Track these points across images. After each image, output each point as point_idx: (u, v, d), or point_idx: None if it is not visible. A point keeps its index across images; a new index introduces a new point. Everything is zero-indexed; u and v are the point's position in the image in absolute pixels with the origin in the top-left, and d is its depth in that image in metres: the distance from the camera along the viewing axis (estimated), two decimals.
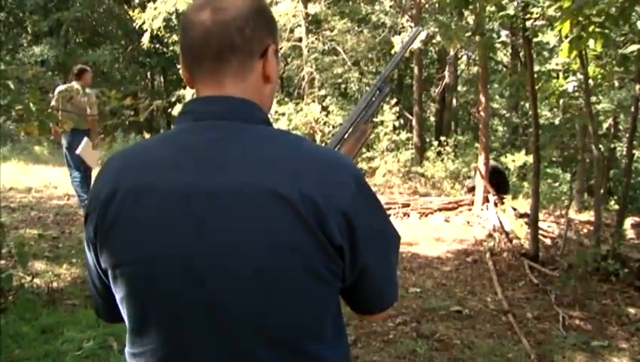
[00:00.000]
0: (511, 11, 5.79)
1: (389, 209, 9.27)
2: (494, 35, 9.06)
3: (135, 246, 1.03)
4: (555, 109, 11.22)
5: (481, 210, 9.15)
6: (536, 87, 6.53)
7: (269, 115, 1.16)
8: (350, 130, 1.48)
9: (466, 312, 4.89)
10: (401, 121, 15.29)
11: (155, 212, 1.01)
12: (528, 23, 6.00)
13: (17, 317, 4.21)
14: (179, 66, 14.49)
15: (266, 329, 1.01)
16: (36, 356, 3.69)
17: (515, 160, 14.38)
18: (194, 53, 1.10)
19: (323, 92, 13.63)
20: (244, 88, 1.09)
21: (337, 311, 1.12)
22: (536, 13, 5.86)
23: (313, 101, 13.27)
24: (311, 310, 1.04)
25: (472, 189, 10.13)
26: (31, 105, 4.96)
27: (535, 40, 7.55)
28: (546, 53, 13.44)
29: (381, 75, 1.59)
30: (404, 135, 14.35)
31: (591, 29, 4.77)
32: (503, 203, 9.26)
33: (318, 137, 13.61)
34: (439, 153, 14.38)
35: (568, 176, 14.47)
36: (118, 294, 1.08)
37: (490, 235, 7.59)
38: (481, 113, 9.67)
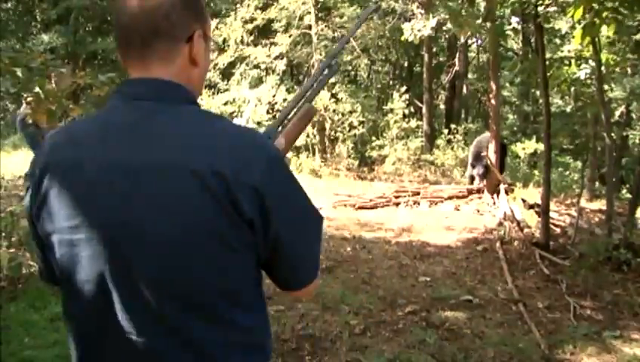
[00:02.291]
0: None
1: (399, 197, 9.23)
2: (505, 22, 8.92)
3: (62, 216, 1.11)
4: (567, 97, 11.11)
5: (492, 198, 9.10)
6: (548, 75, 6.44)
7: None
8: (296, 109, 1.50)
9: (476, 301, 4.86)
10: (411, 109, 15.22)
11: (80, 185, 1.10)
12: (540, 9, 5.91)
13: (27, 305, 4.22)
14: None
15: (180, 295, 1.09)
16: (45, 344, 3.70)
17: (526, 148, 14.28)
18: (124, 38, 1.15)
19: (332, 79, 13.54)
20: (170, 71, 1.14)
21: (255, 281, 1.18)
22: None
23: (322, 88, 13.20)
24: (224, 278, 1.11)
25: (473, 179, 10.05)
26: (40, 92, 4.96)
27: (547, 27, 7.46)
28: (557, 40, 13.30)
29: (331, 53, 1.62)
30: (413, 123, 14.29)
31: (604, 14, 4.69)
32: (513, 191, 9.20)
33: (327, 125, 13.57)
34: (449, 141, 14.31)
35: (579, 164, 14.37)
36: (53, 259, 1.16)
37: (500, 224, 7.53)
38: (492, 101, 9.58)
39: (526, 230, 7.01)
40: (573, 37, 5.13)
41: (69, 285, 1.15)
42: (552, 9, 6.03)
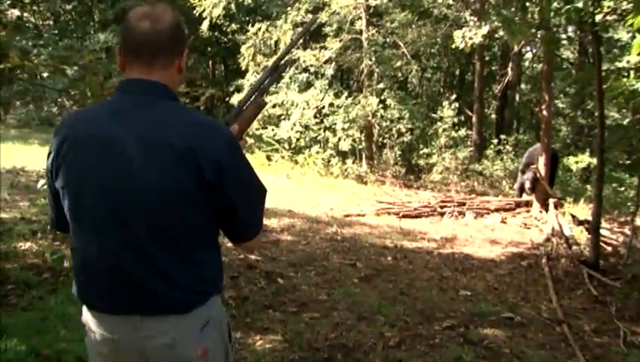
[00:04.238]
0: (580, 4, 5.47)
1: (444, 207, 9.06)
2: (560, 31, 8.66)
3: (73, 175, 1.57)
4: (624, 110, 10.72)
5: (540, 212, 8.83)
6: (604, 86, 6.18)
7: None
8: (251, 100, 1.87)
9: (518, 319, 4.67)
10: (461, 118, 14.96)
11: (89, 153, 1.55)
12: (598, 18, 5.68)
13: (65, 298, 4.24)
14: (239, 56, 14.54)
15: (158, 235, 1.55)
16: (80, 337, 3.68)
17: (579, 161, 13.86)
18: (135, 50, 1.59)
19: (381, 85, 13.43)
20: (164, 76, 1.60)
21: (211, 230, 1.64)
22: (607, 7, 5.54)
23: (371, 94, 13.10)
24: (189, 223, 1.57)
25: (522, 189, 9.78)
26: (87, 90, 5.04)
27: (606, 36, 7.18)
28: (616, 51, 12.85)
29: (281, 52, 1.99)
30: (463, 132, 14.05)
31: None
32: (562, 206, 8.91)
33: (375, 131, 13.45)
34: (499, 151, 14.00)
35: (635, 180, 13.82)
36: (65, 207, 1.62)
37: (547, 239, 7.29)
38: (544, 112, 9.31)
39: (574, 247, 6.74)
40: (633, 47, 4.88)
41: (76, 227, 1.62)
42: (610, 17, 5.79)
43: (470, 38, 8.18)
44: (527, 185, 9.17)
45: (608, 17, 5.77)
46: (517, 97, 19.43)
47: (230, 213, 1.61)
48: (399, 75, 14.08)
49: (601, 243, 6.50)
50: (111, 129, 1.53)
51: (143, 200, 1.51)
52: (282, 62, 1.92)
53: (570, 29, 13.25)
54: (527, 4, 6.22)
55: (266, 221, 7.45)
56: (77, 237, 1.62)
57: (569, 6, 5.38)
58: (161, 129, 1.52)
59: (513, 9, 8.52)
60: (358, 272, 5.74)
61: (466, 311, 4.78)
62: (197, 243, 1.59)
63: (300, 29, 13.20)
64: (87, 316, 1.69)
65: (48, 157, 1.62)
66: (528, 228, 8.38)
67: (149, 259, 1.55)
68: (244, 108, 1.86)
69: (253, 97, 1.87)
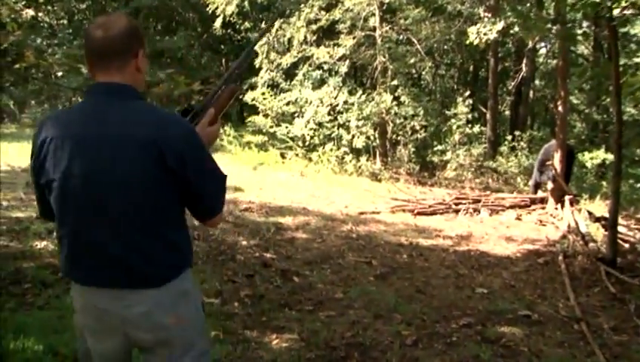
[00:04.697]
0: None
1: (459, 204, 9.02)
2: (575, 26, 8.56)
3: (57, 170, 1.78)
4: None
5: (555, 208, 8.77)
6: (621, 82, 6.12)
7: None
8: (223, 88, 2.10)
9: (535, 317, 4.64)
10: (475, 115, 14.85)
11: (67, 149, 1.77)
12: (616, 12, 5.61)
13: None
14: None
15: (132, 217, 1.78)
16: None
17: (594, 157, 13.74)
18: (94, 56, 1.82)
19: (395, 82, 13.38)
20: (124, 77, 1.82)
21: (178, 211, 1.88)
22: (626, 1, 5.47)
23: (385, 91, 13.04)
24: (158, 205, 1.80)
25: (537, 186, 9.73)
26: None
27: (621, 31, 7.10)
28: (633, 46, 12.72)
29: (240, 59, 2.27)
30: (477, 128, 13.96)
31: None
32: (578, 202, 8.84)
33: (389, 128, 13.40)
34: (513, 148, 13.91)
35: None
36: (51, 198, 1.83)
37: (564, 236, 7.23)
38: (559, 108, 9.23)
39: (591, 244, 6.69)
40: None
41: (62, 215, 1.84)
42: (628, 12, 5.72)
43: (485, 34, 8.10)
44: (549, 185, 9.12)
45: (626, 12, 5.70)
46: (531, 93, 19.28)
47: (193, 196, 1.85)
48: (413, 71, 14.00)
49: (618, 241, 6.43)
50: (88, 128, 1.78)
51: (118, 188, 1.75)
52: (251, 51, 2.23)
53: (585, 24, 13.13)
54: None
55: (280, 219, 7.48)
56: (64, 224, 1.85)
57: (587, 0, 5.31)
58: (128, 126, 1.76)
59: (528, 4, 8.42)
60: (374, 270, 5.73)
61: (483, 309, 4.75)
62: (166, 223, 1.84)
63: (312, 27, 13.20)
64: (75, 293, 1.93)
65: (32, 157, 1.86)
66: (544, 225, 8.32)
67: (126, 239, 1.79)
68: (218, 94, 2.09)
69: (224, 86, 2.11)
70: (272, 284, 5.10)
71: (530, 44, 14.25)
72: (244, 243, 6.26)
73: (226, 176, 1.93)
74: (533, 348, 4.03)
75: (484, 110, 15.91)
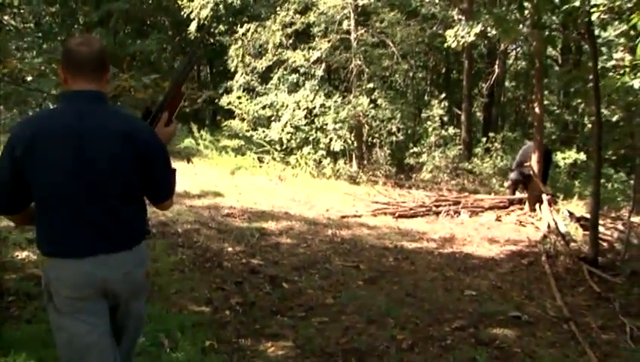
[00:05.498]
0: (577, 3, 5.48)
1: (439, 206, 9.09)
2: (553, 29, 8.68)
3: (44, 163, 2.12)
4: (613, 106, 10.79)
5: (533, 210, 8.88)
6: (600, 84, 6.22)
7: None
8: (172, 92, 2.48)
9: (525, 318, 4.69)
10: (449, 117, 14.95)
11: (54, 144, 2.12)
12: (594, 17, 5.70)
13: None
14: (225, 58, 14.39)
15: (112, 193, 2.18)
16: None
17: (566, 157, 13.95)
18: (77, 68, 2.19)
19: (371, 85, 13.41)
20: (100, 86, 2.23)
21: (140, 192, 2.29)
22: (603, 6, 5.56)
23: (361, 94, 13.07)
24: (129, 185, 2.22)
25: (515, 183, 9.82)
26: None
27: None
28: (603, 49, 12.95)
29: (190, 52, 3.03)
30: (451, 130, 14.07)
31: None
32: (556, 203, 8.98)
33: (365, 130, 13.42)
34: (487, 150, 14.04)
35: (622, 175, 13.96)
36: (36, 187, 2.17)
37: (545, 237, 7.33)
38: (536, 109, 9.37)
39: (572, 244, 6.79)
40: (621, 45, 4.91)
41: (48, 201, 2.18)
42: (606, 16, 5.82)
43: (462, 37, 8.18)
44: (529, 171, 9.16)
45: (604, 16, 5.79)
46: (502, 95, 19.51)
47: (151, 180, 2.28)
48: (388, 74, 14.04)
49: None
50: (73, 122, 2.14)
51: (102, 170, 2.15)
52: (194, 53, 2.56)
53: (553, 26, 13.30)
54: (526, 3, 6.21)
55: (263, 224, 7.44)
56: (48, 209, 2.18)
57: (567, 6, 5.39)
58: (107, 121, 2.19)
59: (504, 8, 8.52)
60: (362, 274, 5.73)
61: (474, 311, 4.79)
62: (135, 198, 2.29)
63: (288, 30, 13.17)
64: (54, 273, 2.20)
65: (13, 149, 2.13)
66: (524, 226, 8.43)
67: (108, 210, 2.19)
68: (169, 99, 2.46)
69: (173, 89, 2.49)
70: (261, 291, 5.06)
71: (503, 47, 14.44)
72: (230, 249, 6.21)
73: (175, 170, 2.39)
74: (526, 349, 4.08)
75: (458, 112, 16.03)
